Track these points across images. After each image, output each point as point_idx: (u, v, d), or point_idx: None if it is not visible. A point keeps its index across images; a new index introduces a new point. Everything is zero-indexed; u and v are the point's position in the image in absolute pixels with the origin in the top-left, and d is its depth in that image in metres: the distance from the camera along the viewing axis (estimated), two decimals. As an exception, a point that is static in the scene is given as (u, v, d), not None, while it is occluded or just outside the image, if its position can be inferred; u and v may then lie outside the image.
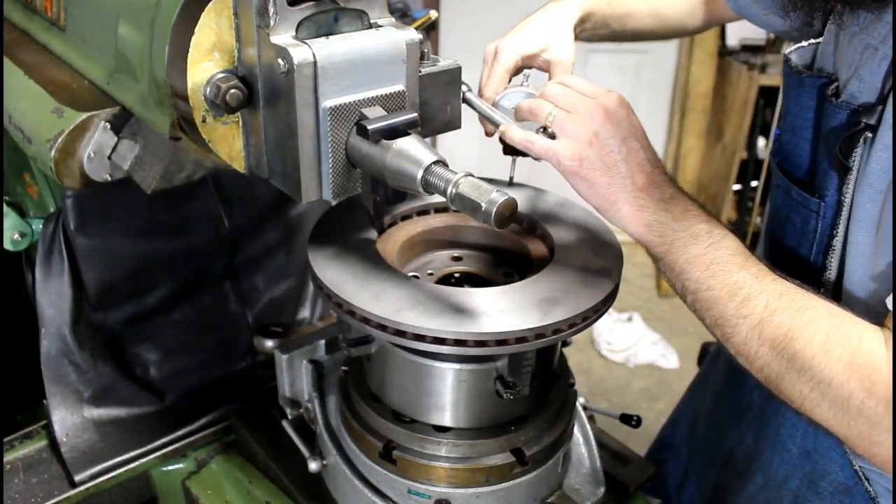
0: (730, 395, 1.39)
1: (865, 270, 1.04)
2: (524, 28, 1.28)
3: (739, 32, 4.25)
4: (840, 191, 1.06)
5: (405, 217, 1.24)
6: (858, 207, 1.04)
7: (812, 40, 1.17)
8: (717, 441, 1.44)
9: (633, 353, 3.98)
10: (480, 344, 0.93)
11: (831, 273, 1.10)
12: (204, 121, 0.87)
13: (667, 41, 4.27)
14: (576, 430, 1.24)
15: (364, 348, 1.09)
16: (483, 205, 0.81)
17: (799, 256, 1.18)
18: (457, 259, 1.21)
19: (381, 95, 0.88)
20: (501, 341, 0.94)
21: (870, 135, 1.01)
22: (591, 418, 1.32)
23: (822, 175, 1.12)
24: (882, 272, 1.00)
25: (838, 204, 1.07)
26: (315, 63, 0.82)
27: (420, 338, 0.93)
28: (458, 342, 0.93)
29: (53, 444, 1.35)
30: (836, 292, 1.10)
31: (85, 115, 0.98)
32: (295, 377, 1.25)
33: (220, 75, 0.85)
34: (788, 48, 1.20)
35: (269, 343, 1.46)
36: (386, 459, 1.08)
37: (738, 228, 4.13)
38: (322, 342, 1.27)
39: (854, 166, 1.03)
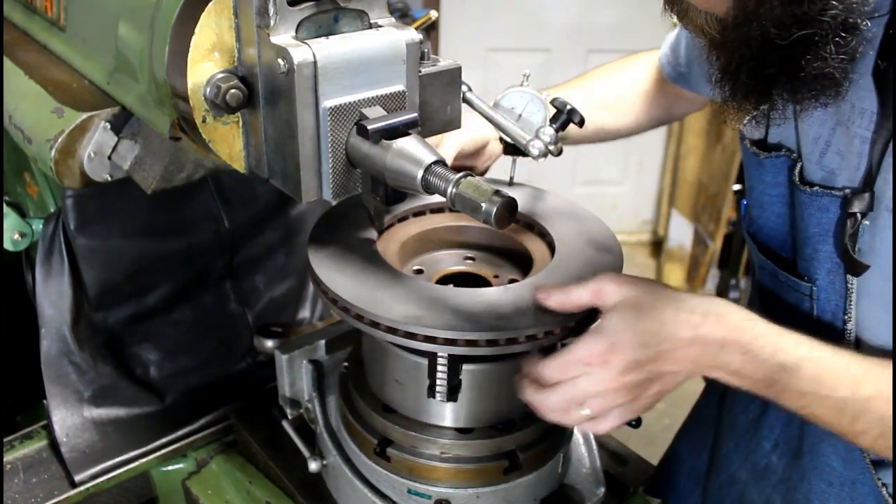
0: (744, 456, 1.36)
1: (886, 340, 1.02)
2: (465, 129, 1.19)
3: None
4: (845, 279, 1.04)
5: (405, 217, 1.24)
6: (869, 287, 1.02)
7: (763, 107, 0.99)
8: (737, 498, 1.40)
9: (634, 353, 3.95)
10: (491, 343, 0.93)
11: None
12: (204, 121, 0.87)
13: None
14: (576, 430, 1.24)
15: None
16: (483, 205, 0.81)
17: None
18: (457, 259, 1.21)
19: (381, 95, 0.88)
20: (511, 340, 0.94)
21: (867, 223, 0.98)
22: (591, 418, 1.32)
23: (807, 258, 1.09)
24: None
25: (846, 290, 1.04)
26: (315, 63, 0.82)
27: (431, 339, 0.93)
28: (469, 342, 0.93)
29: (53, 444, 1.35)
30: None
31: (85, 115, 0.98)
32: (295, 377, 1.25)
33: (220, 75, 0.85)
34: (742, 122, 1.08)
35: (269, 343, 1.45)
36: (380, 456, 1.08)
37: (738, 229, 4.13)
38: (322, 342, 1.26)
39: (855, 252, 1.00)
